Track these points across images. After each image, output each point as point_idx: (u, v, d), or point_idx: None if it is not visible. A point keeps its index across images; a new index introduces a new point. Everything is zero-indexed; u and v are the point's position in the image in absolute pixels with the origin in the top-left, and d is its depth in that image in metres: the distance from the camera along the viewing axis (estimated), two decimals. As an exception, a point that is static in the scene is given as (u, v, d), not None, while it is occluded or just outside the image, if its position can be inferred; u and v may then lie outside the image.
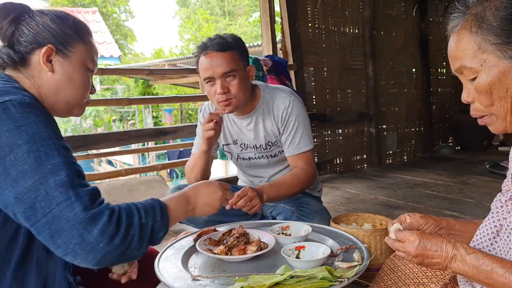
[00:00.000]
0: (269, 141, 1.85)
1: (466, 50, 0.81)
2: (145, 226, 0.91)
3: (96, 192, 0.87)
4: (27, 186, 0.80)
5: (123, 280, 1.13)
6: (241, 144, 1.90)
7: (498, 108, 0.82)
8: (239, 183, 2.11)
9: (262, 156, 1.89)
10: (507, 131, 0.85)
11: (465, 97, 0.87)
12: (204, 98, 4.27)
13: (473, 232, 0.98)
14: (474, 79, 0.82)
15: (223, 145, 1.94)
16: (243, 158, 1.93)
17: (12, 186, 0.80)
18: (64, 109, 1.05)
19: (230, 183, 2.09)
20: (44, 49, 0.97)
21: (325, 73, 4.16)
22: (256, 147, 1.88)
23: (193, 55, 1.77)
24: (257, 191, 1.53)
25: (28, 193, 0.80)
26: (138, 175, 3.33)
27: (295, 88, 3.70)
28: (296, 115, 1.79)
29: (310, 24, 3.99)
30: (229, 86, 1.68)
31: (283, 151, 1.87)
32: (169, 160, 8.47)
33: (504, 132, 0.86)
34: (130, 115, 12.44)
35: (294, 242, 1.26)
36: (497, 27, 0.77)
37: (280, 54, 3.78)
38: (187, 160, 3.31)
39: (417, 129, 5.08)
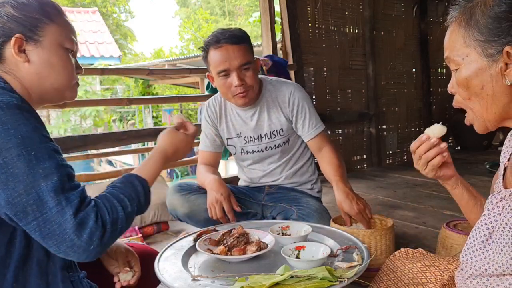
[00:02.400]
0: (274, 130, 1.88)
1: (453, 43, 0.85)
2: (130, 215, 0.94)
3: (84, 192, 0.88)
4: (19, 189, 0.80)
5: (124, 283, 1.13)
6: (245, 137, 1.91)
7: (475, 103, 0.84)
8: (240, 183, 2.12)
9: (266, 148, 1.90)
10: (490, 129, 0.87)
11: (449, 87, 0.91)
12: (204, 98, 4.27)
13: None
14: (456, 71, 0.86)
15: (227, 139, 1.95)
16: (247, 151, 1.94)
17: (2, 189, 0.80)
18: (55, 95, 1.01)
19: (230, 183, 2.10)
20: (12, 40, 0.92)
21: (325, 73, 4.16)
22: (261, 137, 1.89)
23: (201, 50, 1.80)
24: (348, 195, 1.65)
25: (19, 197, 0.80)
26: (138, 175, 3.32)
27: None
28: (303, 98, 1.87)
29: (310, 24, 3.99)
30: (244, 78, 1.72)
31: (287, 141, 1.90)
32: (169, 160, 8.46)
33: (487, 131, 0.88)
34: (130, 115, 12.44)
35: (294, 242, 1.26)
36: (482, 24, 0.79)
37: (280, 54, 3.78)
38: (187, 160, 3.30)
39: (417, 129, 5.08)
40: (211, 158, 1.99)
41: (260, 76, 1.91)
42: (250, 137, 1.91)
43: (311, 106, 1.90)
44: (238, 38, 1.71)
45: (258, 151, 1.92)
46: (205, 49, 1.75)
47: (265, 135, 1.89)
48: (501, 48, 0.77)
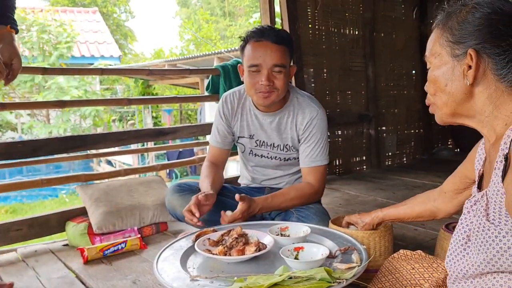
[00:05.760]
0: (287, 144, 1.87)
1: (431, 42, 0.92)
2: None
3: None
4: None
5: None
6: (257, 140, 1.90)
7: (437, 98, 0.91)
8: (240, 180, 2.11)
9: (275, 157, 1.89)
10: (446, 122, 0.93)
11: (425, 87, 0.96)
12: (203, 98, 4.28)
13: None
14: (430, 68, 0.93)
15: (238, 136, 1.94)
16: (255, 154, 1.93)
17: None
18: None
19: (229, 183, 2.10)
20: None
21: (325, 75, 4.16)
22: (274, 146, 1.88)
23: (241, 39, 1.79)
24: (251, 205, 1.61)
25: None
26: (137, 176, 3.31)
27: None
28: (321, 128, 1.82)
29: (310, 26, 3.99)
30: (274, 79, 1.70)
31: (297, 157, 1.89)
32: (168, 160, 8.47)
33: (444, 123, 0.94)
34: (130, 115, 12.44)
35: (293, 243, 1.26)
36: (455, 27, 0.86)
37: (280, 55, 3.79)
38: (186, 161, 3.30)
39: (417, 131, 5.09)
40: (218, 156, 1.97)
41: (292, 85, 1.90)
42: (263, 141, 1.89)
43: (323, 139, 1.82)
44: (280, 38, 1.70)
45: (267, 157, 1.91)
46: (246, 39, 1.74)
47: (278, 145, 1.87)
48: (466, 49, 0.83)
